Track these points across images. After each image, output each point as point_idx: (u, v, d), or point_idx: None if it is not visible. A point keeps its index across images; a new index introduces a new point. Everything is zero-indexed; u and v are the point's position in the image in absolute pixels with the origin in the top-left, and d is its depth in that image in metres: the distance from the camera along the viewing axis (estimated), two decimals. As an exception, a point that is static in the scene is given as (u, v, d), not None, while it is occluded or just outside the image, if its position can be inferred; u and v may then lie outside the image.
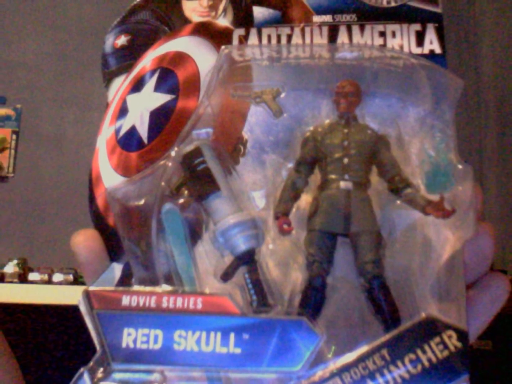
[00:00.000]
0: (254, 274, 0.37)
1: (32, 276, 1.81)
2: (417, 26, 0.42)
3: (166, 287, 0.37)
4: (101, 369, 0.35)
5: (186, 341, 0.35)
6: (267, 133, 0.41)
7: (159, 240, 0.39)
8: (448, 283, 0.36)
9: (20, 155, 2.23)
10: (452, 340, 0.34)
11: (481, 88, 2.26)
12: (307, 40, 0.43)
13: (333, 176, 0.38)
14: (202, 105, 0.41)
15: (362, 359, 0.34)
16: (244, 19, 0.45)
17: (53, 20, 2.30)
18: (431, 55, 0.41)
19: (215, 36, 0.45)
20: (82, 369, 0.35)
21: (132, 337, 0.35)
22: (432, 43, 0.42)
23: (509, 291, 0.37)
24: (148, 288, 0.37)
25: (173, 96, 0.44)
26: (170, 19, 0.48)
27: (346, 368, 0.34)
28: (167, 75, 0.45)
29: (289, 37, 0.43)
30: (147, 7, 0.49)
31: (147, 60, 0.47)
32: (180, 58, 0.45)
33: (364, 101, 0.40)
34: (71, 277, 1.79)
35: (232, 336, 0.34)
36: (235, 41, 0.43)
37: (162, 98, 0.44)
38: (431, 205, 0.37)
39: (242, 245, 0.37)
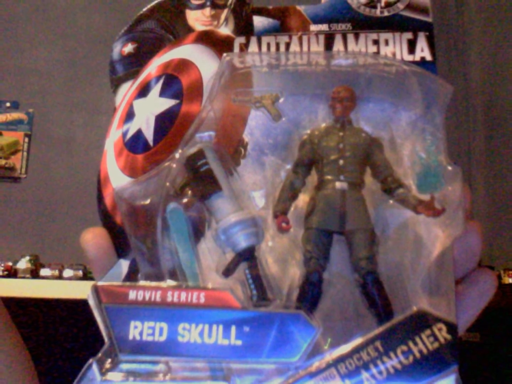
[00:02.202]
0: (254, 270, 0.37)
1: (44, 271, 1.81)
2: (409, 35, 0.42)
3: (170, 282, 0.37)
4: (109, 360, 0.35)
5: (189, 333, 0.35)
6: (266, 136, 0.41)
7: (164, 237, 0.38)
8: (438, 279, 0.36)
9: (32, 157, 2.23)
10: (442, 333, 0.34)
11: (469, 94, 2.26)
12: (305, 48, 0.43)
13: (329, 177, 0.38)
14: (204, 110, 0.41)
15: (356, 350, 0.34)
16: (244, 28, 0.45)
17: (63, 29, 2.30)
18: (422, 62, 0.41)
19: (217, 44, 0.45)
20: (91, 360, 0.35)
21: (138, 330, 0.35)
22: (423, 51, 0.42)
23: (496, 286, 0.37)
24: (153, 283, 0.37)
25: (177, 101, 0.44)
26: (175, 28, 0.48)
27: (341, 359, 0.34)
28: (172, 81, 0.45)
29: (287, 45, 0.43)
30: (153, 16, 0.49)
31: (153, 67, 0.47)
32: (184, 65, 0.45)
33: (358, 106, 0.40)
34: (80, 272, 1.79)
35: (233, 328, 0.34)
36: (236, 48, 0.43)
37: (167, 103, 0.44)
38: (422, 205, 0.37)
39: (243, 242, 0.37)
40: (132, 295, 0.36)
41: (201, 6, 0.48)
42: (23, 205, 2.15)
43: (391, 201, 0.38)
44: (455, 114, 2.18)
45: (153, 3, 0.50)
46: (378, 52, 0.42)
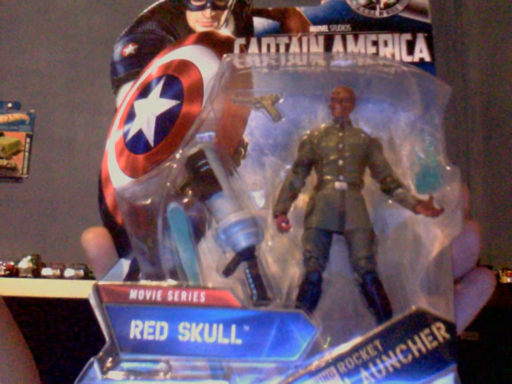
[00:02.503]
0: (254, 269, 0.37)
1: (45, 271, 1.81)
2: (407, 36, 0.42)
3: (171, 282, 0.37)
4: (110, 359, 0.35)
5: (190, 332, 0.35)
6: (266, 136, 0.41)
7: (164, 237, 0.38)
8: (437, 278, 0.36)
9: (34, 157, 2.23)
10: (440, 332, 0.34)
11: (468, 94, 2.26)
12: (304, 49, 0.43)
13: (328, 177, 0.38)
14: (205, 110, 0.41)
15: (356, 349, 0.34)
16: (244, 29, 0.45)
17: (64, 30, 2.30)
18: (421, 63, 0.41)
19: (218, 45, 0.45)
20: (92, 359, 0.35)
21: (139, 329, 0.35)
22: (422, 52, 0.42)
23: (494, 286, 0.37)
24: (154, 283, 0.37)
25: (178, 102, 0.44)
26: (175, 29, 0.48)
27: (341, 358, 0.34)
28: (172, 82, 0.45)
29: (287, 46, 0.43)
30: (154, 18, 0.49)
31: (154, 68, 0.47)
32: (184, 65, 0.45)
33: (358, 106, 0.40)
34: (81, 272, 1.79)
35: (233, 327, 0.34)
36: (236, 49, 0.43)
37: (168, 104, 0.44)
38: (421, 204, 0.37)
39: (243, 242, 0.37)
40: (133, 294, 0.36)
41: (201, 8, 0.48)
42: (24, 205, 2.15)
43: (390, 201, 0.38)
44: (453, 114, 2.18)
45: (153, 5, 0.50)
46: (377, 53, 0.42)
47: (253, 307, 0.36)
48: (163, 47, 0.48)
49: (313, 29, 0.44)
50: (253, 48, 0.43)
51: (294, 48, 0.43)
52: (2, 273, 1.80)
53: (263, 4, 0.46)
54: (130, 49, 0.50)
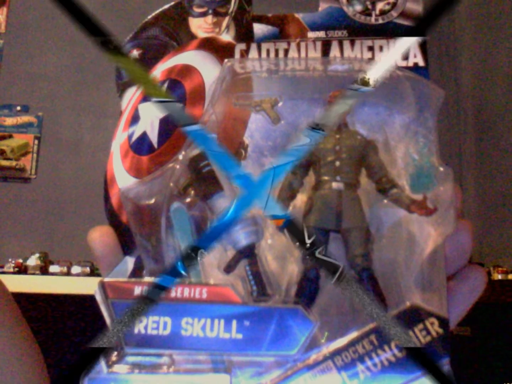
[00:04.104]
0: (254, 266, 0.37)
1: (53, 268, 1.81)
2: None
3: (174, 279, 0.37)
4: (115, 353, 0.35)
5: (192, 327, 0.35)
6: (266, 138, 0.41)
7: (168, 235, 0.38)
8: (430, 275, 0.36)
9: (42, 158, 2.23)
10: (434, 327, 0.34)
11: (460, 98, 2.26)
12: (303, 54, 0.43)
13: (326, 178, 0.38)
14: (207, 113, 0.41)
15: (352, 343, 0.34)
16: (245, 35, 0.45)
17: (72, 36, 2.29)
18: (415, 68, 0.41)
19: (219, 50, 0.45)
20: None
21: (143, 324, 0.35)
22: (416, 57, 0.42)
23: (486, 282, 0.37)
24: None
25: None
26: (178, 35, 0.48)
27: (338, 352, 0.34)
28: (175, 85, 0.45)
29: (286, 51, 0.43)
30: (157, 24, 0.49)
31: (157, 72, 0.47)
32: (187, 70, 0.45)
33: (354, 109, 0.40)
34: (88, 269, 1.79)
35: (234, 323, 0.34)
36: (237, 55, 0.43)
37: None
38: (415, 204, 0.37)
39: (243, 240, 0.37)
40: (137, 290, 0.36)
41: (203, 14, 0.48)
42: (33, 204, 2.15)
43: (385, 201, 0.38)
44: (446, 117, 2.18)
45: (157, 11, 0.50)
46: (373, 58, 0.42)
47: (253, 303, 0.36)
48: (166, 52, 0.48)
49: (311, 35, 0.44)
50: (253, 53, 0.43)
51: (292, 53, 0.43)
52: (11, 270, 1.80)
53: (263, 10, 0.46)
54: (134, 54, 0.50)
